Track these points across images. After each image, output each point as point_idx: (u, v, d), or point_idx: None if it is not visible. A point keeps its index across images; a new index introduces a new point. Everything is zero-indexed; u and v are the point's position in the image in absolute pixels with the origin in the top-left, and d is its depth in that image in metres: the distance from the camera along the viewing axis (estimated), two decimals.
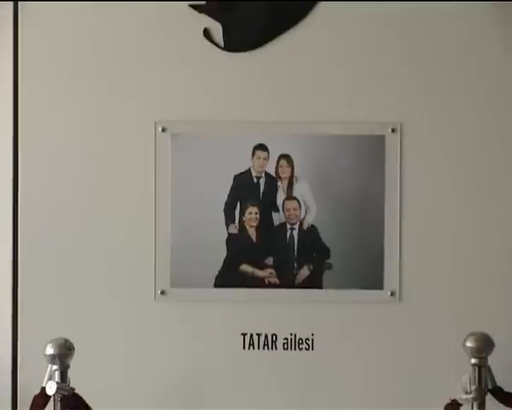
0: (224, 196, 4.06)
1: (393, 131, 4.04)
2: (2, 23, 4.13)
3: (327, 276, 4.06)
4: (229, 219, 4.07)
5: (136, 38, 4.06)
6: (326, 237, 4.06)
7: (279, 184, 4.07)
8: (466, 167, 4.04)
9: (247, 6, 4.04)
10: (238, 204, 4.07)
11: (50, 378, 3.24)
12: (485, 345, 3.35)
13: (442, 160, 4.05)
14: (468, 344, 3.35)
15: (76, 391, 3.27)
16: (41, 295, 4.05)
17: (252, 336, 4.07)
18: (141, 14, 4.05)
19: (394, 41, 4.03)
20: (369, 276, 4.06)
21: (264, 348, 4.06)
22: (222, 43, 4.06)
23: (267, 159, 4.07)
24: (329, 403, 4.04)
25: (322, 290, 4.06)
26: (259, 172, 4.08)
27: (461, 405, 3.32)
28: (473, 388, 3.31)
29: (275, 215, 4.08)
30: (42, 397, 3.25)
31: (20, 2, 4.10)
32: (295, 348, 4.06)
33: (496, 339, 3.38)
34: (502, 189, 4.04)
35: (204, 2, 4.03)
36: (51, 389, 3.22)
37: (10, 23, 4.11)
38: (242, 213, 4.07)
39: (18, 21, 4.08)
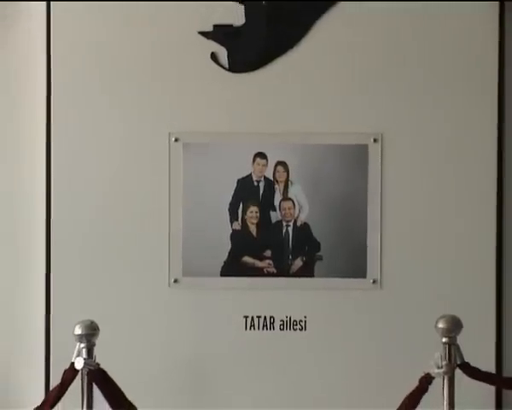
0: (228, 198, 4.08)
1: (375, 141, 4.06)
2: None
3: (318, 266, 4.08)
4: (233, 217, 4.08)
5: (153, 61, 4.08)
6: (317, 232, 4.08)
7: (276, 186, 4.09)
8: (438, 172, 4.08)
9: (248, 34, 4.05)
10: (241, 204, 4.09)
11: (78, 355, 3.25)
12: (454, 326, 3.36)
13: (417, 166, 4.07)
14: (440, 325, 3.36)
15: (100, 366, 3.28)
16: (71, 283, 4.05)
17: (252, 318, 4.07)
18: (157, 39, 4.07)
19: (377, 63, 4.06)
20: (354, 266, 4.07)
21: (263, 329, 4.07)
22: (227, 65, 4.08)
23: (266, 165, 4.08)
24: (320, 376, 4.07)
25: (314, 279, 4.08)
26: (259, 177, 4.09)
27: (433, 378, 3.33)
28: (444, 363, 3.33)
29: (272, 214, 4.09)
30: (71, 371, 3.26)
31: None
32: (290, 329, 4.07)
33: (464, 321, 3.38)
34: (468, 191, 4.07)
35: (211, 30, 4.03)
36: (79, 364, 3.24)
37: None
38: (244, 212, 4.09)
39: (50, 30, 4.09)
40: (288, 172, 4.08)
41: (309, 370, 4.07)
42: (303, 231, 4.08)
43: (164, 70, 4.07)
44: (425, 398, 3.31)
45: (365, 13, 4.04)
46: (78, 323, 3.28)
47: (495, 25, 4.06)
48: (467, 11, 4.04)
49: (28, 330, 4.13)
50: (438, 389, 3.34)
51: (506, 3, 4.11)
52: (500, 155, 4.06)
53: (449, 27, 4.05)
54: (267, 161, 4.09)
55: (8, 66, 4.20)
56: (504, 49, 4.07)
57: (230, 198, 4.09)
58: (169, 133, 4.07)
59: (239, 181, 4.09)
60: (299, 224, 4.09)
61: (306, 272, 4.08)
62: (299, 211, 4.08)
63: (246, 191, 4.09)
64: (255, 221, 4.09)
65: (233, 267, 4.09)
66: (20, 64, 4.18)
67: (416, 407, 3.31)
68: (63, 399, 3.25)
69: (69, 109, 4.09)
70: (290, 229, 4.09)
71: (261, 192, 4.10)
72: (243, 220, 4.09)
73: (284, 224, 4.09)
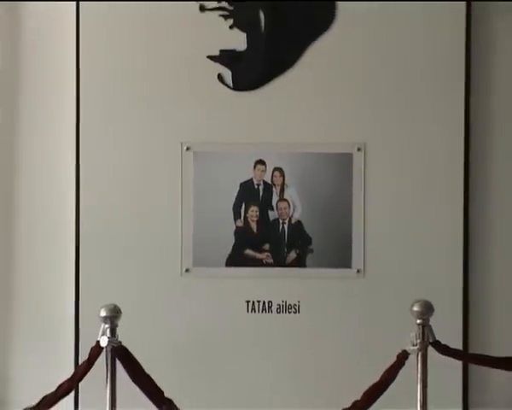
0: (232, 199, 4.08)
1: (359, 149, 4.05)
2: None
3: (309, 258, 4.08)
4: (237, 215, 4.08)
5: (168, 81, 4.07)
6: (309, 229, 4.08)
7: (273, 189, 4.09)
8: (412, 177, 4.08)
9: (249, 58, 4.05)
10: (243, 204, 4.08)
11: (103, 334, 3.21)
12: (427, 309, 3.32)
13: (395, 171, 4.08)
14: (414, 309, 3.33)
15: (122, 344, 3.27)
16: (97, 272, 4.06)
17: (253, 302, 4.07)
18: (172, 62, 4.07)
19: (360, 84, 4.05)
20: (341, 258, 4.07)
21: (262, 312, 4.06)
22: (231, 85, 4.07)
23: (265, 171, 4.08)
24: (311, 352, 4.07)
25: (306, 269, 4.08)
26: (259, 181, 4.09)
27: (409, 354, 3.31)
28: (418, 341, 3.29)
29: (270, 213, 4.09)
30: (97, 349, 3.23)
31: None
32: (286, 312, 4.07)
33: (435, 305, 3.35)
34: (439, 192, 4.07)
35: (218, 54, 4.04)
36: (104, 342, 3.20)
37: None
38: (246, 211, 4.08)
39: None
40: (283, 176, 4.08)
41: (302, 347, 4.08)
42: (297, 227, 4.08)
43: (177, 88, 4.07)
44: (402, 373, 3.31)
45: (350, 39, 4.04)
46: (103, 306, 3.24)
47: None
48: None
49: (60, 314, 4.13)
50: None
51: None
52: (466, 161, 4.05)
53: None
54: (266, 167, 4.08)
55: (38, 70, 4.18)
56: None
57: (234, 199, 4.08)
58: (181, 143, 4.07)
59: (241, 184, 4.09)
60: (293, 221, 4.09)
61: (299, 262, 4.08)
62: (294, 210, 4.08)
63: (247, 193, 4.08)
64: (255, 219, 4.09)
65: (236, 259, 4.08)
66: (50, 69, 4.16)
67: (394, 379, 3.29)
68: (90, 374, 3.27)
69: (96, 120, 4.10)
70: (286, 226, 4.09)
71: (261, 194, 4.09)
72: (245, 218, 4.09)
73: (280, 221, 4.09)
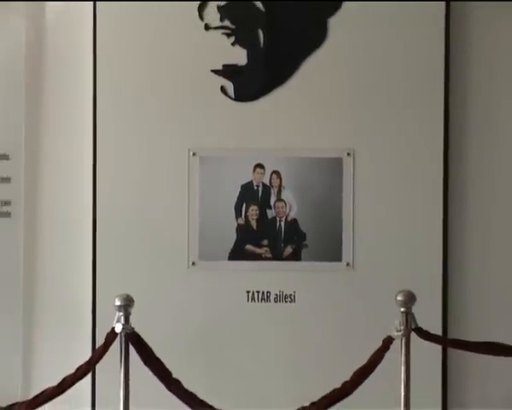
0: (234, 199, 4.07)
1: (348, 154, 4.04)
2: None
3: (304, 252, 4.08)
4: (238, 214, 4.07)
5: (176, 93, 4.07)
6: (303, 226, 4.08)
7: (271, 190, 4.08)
8: (397, 179, 4.07)
9: (249, 71, 4.06)
10: (244, 204, 4.07)
11: (118, 321, 3.21)
12: (409, 299, 3.30)
13: (381, 174, 4.07)
14: (398, 298, 3.32)
15: (135, 330, 3.28)
16: (112, 265, 4.06)
17: (253, 292, 4.06)
18: (180, 76, 4.07)
19: (350, 96, 4.05)
20: (332, 252, 4.07)
21: (261, 301, 4.06)
22: (233, 96, 4.07)
23: (263, 174, 4.07)
24: (305, 337, 4.06)
25: (301, 262, 4.07)
26: (258, 183, 4.08)
27: (394, 339, 3.31)
28: (402, 328, 3.28)
29: (269, 212, 4.08)
30: (112, 334, 3.21)
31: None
32: (282, 301, 4.06)
33: (417, 295, 3.32)
34: (420, 193, 4.05)
35: (221, 68, 4.04)
36: (118, 328, 3.19)
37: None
38: (246, 210, 4.07)
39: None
40: (280, 179, 4.08)
41: (297, 333, 4.07)
42: (292, 225, 4.08)
43: (185, 100, 4.08)
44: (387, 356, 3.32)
45: (340, 56, 4.04)
46: (117, 296, 3.22)
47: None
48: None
49: (79, 303, 4.13)
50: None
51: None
52: (446, 163, 4.05)
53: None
54: (264, 170, 4.08)
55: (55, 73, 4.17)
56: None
57: (236, 199, 4.08)
58: (188, 149, 4.07)
59: (242, 186, 4.08)
60: (289, 219, 4.08)
61: (295, 256, 4.08)
62: (290, 209, 4.08)
63: (248, 194, 4.08)
64: (255, 217, 4.08)
65: (238, 253, 4.08)
66: (70, 83, 4.16)
67: (380, 361, 3.27)
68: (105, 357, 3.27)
69: (112, 129, 4.09)
70: (282, 223, 4.08)
71: (260, 195, 4.09)
72: (246, 217, 4.08)
73: (278, 219, 4.09)
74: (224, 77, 4.06)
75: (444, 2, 4.01)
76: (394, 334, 3.30)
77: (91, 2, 4.05)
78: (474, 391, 4.12)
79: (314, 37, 4.05)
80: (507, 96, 4.12)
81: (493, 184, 4.14)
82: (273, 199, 4.09)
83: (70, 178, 4.17)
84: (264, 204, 4.08)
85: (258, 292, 4.07)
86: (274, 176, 4.08)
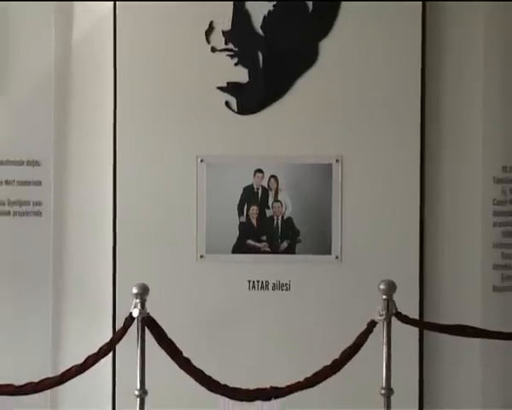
0: (237, 200, 4.06)
1: (337, 161, 4.03)
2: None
3: (298, 247, 4.06)
4: (240, 213, 4.06)
5: (187, 107, 4.04)
6: (297, 223, 4.06)
7: (269, 192, 4.06)
8: (381, 181, 4.05)
9: (250, 88, 4.05)
10: (245, 204, 4.05)
11: (135, 307, 3.23)
12: (390, 287, 3.30)
13: (367, 177, 4.05)
14: (381, 287, 3.31)
15: (150, 315, 3.28)
16: (130, 258, 4.04)
17: (254, 282, 4.05)
18: (190, 92, 4.03)
19: (339, 108, 4.03)
20: (323, 246, 4.05)
21: (260, 289, 4.05)
22: (236, 110, 4.05)
23: (263, 178, 4.05)
24: (299, 321, 4.05)
25: (295, 255, 4.06)
26: (258, 186, 4.07)
27: (377, 323, 3.31)
28: (384, 312, 3.30)
29: (267, 211, 4.06)
30: (130, 319, 3.21)
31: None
32: (279, 290, 4.06)
33: (397, 283, 3.34)
34: (400, 194, 4.02)
35: (225, 85, 4.03)
36: (135, 313, 3.19)
37: None
38: (248, 209, 4.06)
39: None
40: (278, 182, 4.07)
41: (292, 317, 4.07)
42: (288, 222, 4.07)
43: (194, 113, 4.06)
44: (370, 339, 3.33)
45: (330, 73, 4.03)
46: (135, 285, 3.22)
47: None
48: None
49: (101, 292, 4.13)
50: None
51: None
52: (422, 169, 4.04)
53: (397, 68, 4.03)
54: (263, 174, 4.07)
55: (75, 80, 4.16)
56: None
57: (238, 200, 4.06)
58: (196, 156, 4.05)
59: (244, 188, 4.07)
60: (285, 218, 4.07)
61: (290, 250, 4.07)
62: (286, 209, 4.07)
63: (249, 196, 4.07)
64: (255, 216, 4.08)
65: (240, 247, 4.07)
66: (95, 97, 4.15)
67: (364, 342, 3.26)
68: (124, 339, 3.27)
69: (130, 137, 4.06)
70: (279, 221, 4.08)
71: (259, 196, 4.08)
72: (247, 215, 4.07)
73: (275, 218, 4.08)
74: (228, 93, 4.05)
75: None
76: (377, 318, 3.31)
77: (112, 23, 4.05)
78: (447, 368, 4.12)
79: (306, 58, 4.05)
80: (479, 96, 4.09)
81: (463, 185, 4.12)
82: (271, 200, 4.08)
83: (93, 181, 4.16)
84: (263, 204, 4.08)
85: (257, 281, 4.07)
86: (272, 180, 4.07)
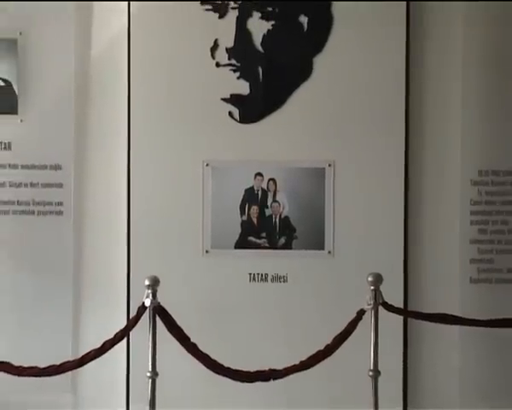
0: (239, 200, 4.04)
1: (329, 165, 4.02)
2: None
3: (294, 243, 4.05)
4: (242, 212, 4.04)
5: (194, 116, 4.01)
6: (294, 222, 4.05)
7: (268, 193, 4.04)
8: (369, 183, 4.04)
9: (251, 99, 4.05)
10: (247, 205, 4.04)
11: (147, 297, 3.21)
12: (377, 279, 3.29)
13: (357, 180, 4.04)
14: (369, 279, 3.30)
15: (161, 304, 3.26)
16: (143, 253, 4.03)
17: (254, 274, 4.04)
18: (196, 102, 4.01)
19: (331, 118, 4.02)
20: (317, 242, 4.04)
21: (260, 281, 4.03)
22: (238, 119, 4.04)
23: (262, 180, 4.04)
24: (295, 310, 4.05)
25: (292, 250, 4.05)
26: (258, 187, 4.05)
27: (365, 311, 3.32)
28: (372, 302, 3.29)
29: (266, 210, 4.05)
30: (142, 307, 3.20)
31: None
32: (277, 281, 4.04)
33: (384, 276, 3.35)
34: (385, 194, 4.00)
35: (229, 97, 4.04)
36: (147, 302, 3.17)
37: None
38: (249, 209, 4.04)
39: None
40: (276, 184, 4.06)
41: (289, 307, 4.06)
42: (285, 221, 4.07)
43: (201, 121, 4.04)
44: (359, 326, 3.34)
45: (323, 86, 4.03)
46: (147, 277, 3.20)
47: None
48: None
49: (117, 283, 4.11)
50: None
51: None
52: (406, 172, 4.04)
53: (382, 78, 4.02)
54: (263, 177, 4.06)
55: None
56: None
57: (240, 201, 4.06)
58: (203, 161, 4.05)
59: (245, 190, 4.06)
60: (282, 216, 4.07)
61: (287, 246, 4.07)
62: (283, 209, 4.06)
63: (250, 196, 4.06)
64: (255, 215, 4.07)
65: (242, 243, 4.06)
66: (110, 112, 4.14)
67: (354, 329, 3.26)
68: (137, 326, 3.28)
69: (143, 143, 4.03)
70: (277, 220, 4.07)
71: (259, 197, 4.08)
72: (248, 215, 4.07)
73: (274, 217, 4.08)
74: (231, 104, 4.03)
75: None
76: (366, 307, 3.31)
77: (126, 41, 4.05)
78: (428, 352, 4.10)
79: (302, 72, 4.05)
80: (458, 106, 4.07)
81: (443, 187, 4.11)
82: (270, 200, 4.07)
83: (109, 184, 4.14)
84: (262, 204, 4.08)
85: (258, 274, 4.06)
86: (271, 182, 4.07)
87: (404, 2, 3.97)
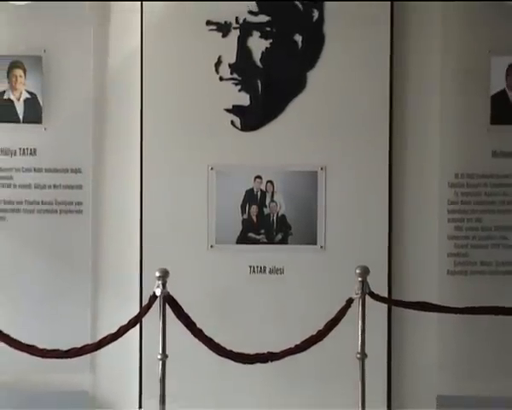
0: (240, 200, 4.03)
1: (322, 169, 4.02)
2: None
3: (290, 238, 4.03)
4: (243, 211, 4.03)
5: (200, 125, 4.01)
6: (289, 220, 4.04)
7: (267, 194, 4.05)
8: (357, 184, 4.02)
9: (251, 110, 4.05)
10: (247, 204, 4.03)
11: (158, 287, 3.20)
12: (364, 271, 3.29)
13: (346, 182, 4.03)
14: (357, 271, 3.28)
15: (170, 294, 3.23)
16: (154, 247, 3.98)
17: (254, 267, 4.02)
18: (201, 113, 4.01)
19: (324, 125, 4.01)
20: (310, 238, 4.03)
21: (259, 273, 4.01)
22: (240, 127, 4.04)
23: (261, 182, 4.02)
24: (291, 299, 4.03)
25: (288, 245, 4.03)
26: (257, 189, 4.04)
27: (353, 300, 3.32)
28: (359, 292, 3.29)
29: (265, 210, 4.04)
30: (154, 297, 3.20)
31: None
32: (275, 273, 4.02)
33: (370, 268, 3.34)
34: (371, 195, 3.98)
35: (231, 108, 4.03)
36: (158, 292, 3.16)
37: None
38: (249, 209, 4.02)
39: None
40: (273, 186, 4.05)
41: (285, 296, 4.05)
42: (282, 219, 4.07)
43: (206, 130, 4.03)
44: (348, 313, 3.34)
45: (316, 97, 4.02)
46: (157, 269, 3.21)
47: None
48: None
49: (130, 275, 4.10)
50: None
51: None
52: (390, 174, 4.03)
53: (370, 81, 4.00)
54: (262, 180, 4.05)
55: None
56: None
57: (241, 201, 4.06)
58: (208, 165, 4.03)
59: (246, 191, 4.05)
60: (279, 215, 4.06)
61: (283, 241, 4.06)
62: (280, 208, 4.06)
63: (250, 197, 4.05)
64: (255, 214, 4.06)
65: (243, 239, 4.05)
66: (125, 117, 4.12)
67: (343, 316, 3.27)
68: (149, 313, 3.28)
69: (155, 148, 4.00)
70: (275, 218, 4.07)
71: (258, 198, 4.06)
72: (249, 213, 4.06)
73: (271, 215, 4.08)
74: (234, 114, 4.03)
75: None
76: (354, 296, 3.31)
77: (139, 57, 4.04)
78: (410, 336, 4.09)
79: (297, 85, 4.04)
80: (436, 112, 4.05)
81: (424, 189, 4.09)
82: (268, 201, 4.06)
83: (124, 186, 4.13)
84: (261, 204, 4.06)
85: (257, 266, 4.04)
86: (269, 184, 4.06)
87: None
